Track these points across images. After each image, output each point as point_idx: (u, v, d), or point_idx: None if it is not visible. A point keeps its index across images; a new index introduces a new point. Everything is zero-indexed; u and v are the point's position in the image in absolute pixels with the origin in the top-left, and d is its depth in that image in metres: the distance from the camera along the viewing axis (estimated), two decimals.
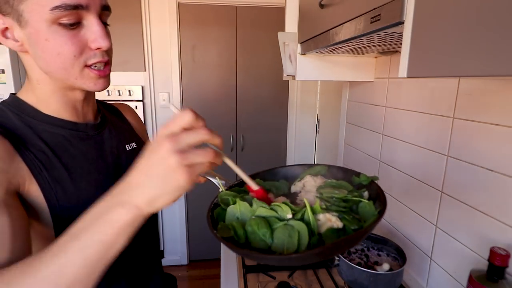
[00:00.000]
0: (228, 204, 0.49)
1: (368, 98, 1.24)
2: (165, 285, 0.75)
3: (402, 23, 0.50)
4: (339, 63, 1.13)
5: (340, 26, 0.71)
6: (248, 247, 0.44)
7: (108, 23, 0.54)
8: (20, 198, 0.45)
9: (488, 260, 0.61)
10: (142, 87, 2.18)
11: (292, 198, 0.56)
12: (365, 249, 0.90)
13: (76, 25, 0.46)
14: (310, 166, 0.63)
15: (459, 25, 0.39)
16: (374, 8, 0.56)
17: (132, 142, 0.65)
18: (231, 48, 2.27)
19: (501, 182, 0.65)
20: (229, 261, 1.01)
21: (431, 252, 0.88)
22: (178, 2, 2.15)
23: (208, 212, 0.50)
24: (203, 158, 0.35)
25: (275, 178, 0.62)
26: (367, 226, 0.43)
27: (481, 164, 0.70)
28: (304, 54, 1.05)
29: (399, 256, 0.84)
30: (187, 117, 0.36)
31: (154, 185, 0.34)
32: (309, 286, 0.90)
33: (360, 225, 0.45)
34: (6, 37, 0.46)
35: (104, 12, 0.50)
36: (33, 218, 0.47)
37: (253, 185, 0.48)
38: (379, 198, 0.51)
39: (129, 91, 2.15)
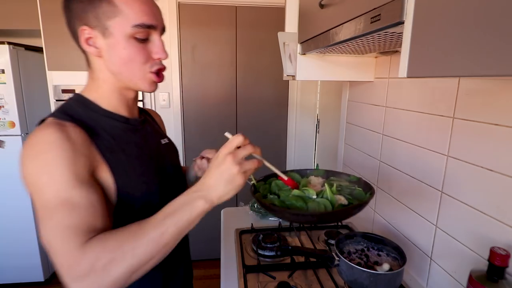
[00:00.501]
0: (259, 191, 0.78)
1: (368, 98, 1.24)
2: (191, 271, 0.89)
3: (402, 23, 0.50)
4: (339, 63, 1.13)
5: (340, 26, 0.71)
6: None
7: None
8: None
9: (488, 260, 0.61)
10: None
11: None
12: (365, 249, 0.90)
13: (145, 40, 0.60)
14: (314, 169, 0.90)
15: (459, 25, 0.39)
16: (374, 8, 0.56)
17: (164, 138, 0.79)
18: (231, 48, 2.27)
19: (501, 182, 0.65)
20: (229, 261, 1.01)
21: (431, 252, 0.88)
22: (178, 2, 2.15)
23: (252, 191, 0.76)
24: (252, 165, 0.53)
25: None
26: (364, 202, 0.68)
27: (481, 164, 0.70)
28: (304, 54, 1.05)
29: (399, 256, 0.84)
30: (239, 139, 0.53)
31: (223, 187, 0.51)
32: (309, 286, 0.90)
33: (358, 202, 0.70)
34: (88, 44, 0.59)
35: (162, 32, 0.64)
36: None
37: (284, 177, 0.70)
38: (368, 187, 0.77)
39: None
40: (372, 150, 1.21)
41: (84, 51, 0.62)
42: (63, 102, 0.63)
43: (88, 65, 0.64)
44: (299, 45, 1.06)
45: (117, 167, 0.59)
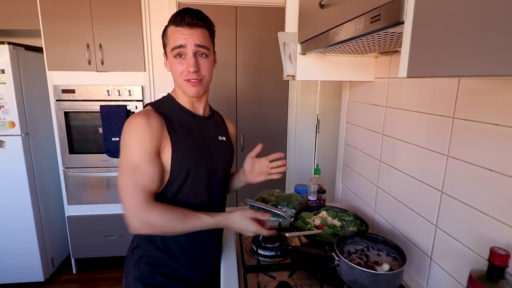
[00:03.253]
0: None
1: (368, 98, 1.24)
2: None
3: (402, 23, 0.50)
4: (339, 63, 1.13)
5: (340, 26, 0.71)
6: None
7: (206, 54, 0.87)
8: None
9: (488, 260, 0.61)
10: (142, 87, 2.18)
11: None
12: (365, 249, 0.90)
13: (181, 56, 0.84)
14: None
15: (459, 25, 0.39)
16: (374, 8, 0.56)
17: (223, 136, 1.00)
18: (231, 48, 2.27)
19: (501, 182, 0.65)
20: (229, 261, 1.01)
21: (431, 252, 0.88)
22: (178, 2, 2.15)
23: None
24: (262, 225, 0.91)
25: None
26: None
27: (481, 164, 0.70)
28: (304, 54, 1.05)
29: (399, 256, 0.84)
30: (262, 215, 0.92)
31: (242, 229, 0.89)
32: (309, 286, 0.90)
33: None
34: (166, 64, 0.90)
35: (199, 49, 0.84)
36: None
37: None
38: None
39: (129, 91, 2.15)
40: (372, 150, 1.21)
41: None
42: (159, 98, 0.93)
43: None
44: (299, 45, 1.06)
45: (176, 143, 0.83)
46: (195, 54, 0.83)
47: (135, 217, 0.77)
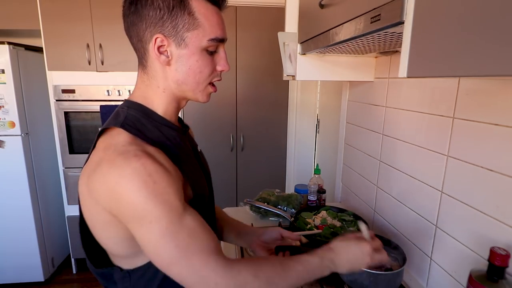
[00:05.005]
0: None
1: (368, 98, 1.24)
2: None
3: (402, 23, 0.50)
4: (339, 63, 1.13)
5: (340, 26, 0.71)
6: None
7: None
8: None
9: (488, 260, 0.61)
10: None
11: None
12: None
13: (214, 52, 0.61)
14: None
15: (459, 25, 0.39)
16: (374, 8, 0.56)
17: (198, 146, 0.77)
18: (231, 48, 2.27)
19: (501, 182, 0.65)
20: None
21: (431, 252, 0.88)
22: None
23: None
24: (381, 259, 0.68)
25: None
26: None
27: (481, 164, 0.70)
28: (304, 54, 1.05)
29: (399, 256, 0.84)
30: (379, 243, 0.69)
31: (353, 267, 0.65)
32: (309, 286, 0.90)
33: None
34: (160, 52, 0.57)
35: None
36: None
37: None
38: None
39: (129, 91, 2.15)
40: (372, 150, 1.21)
41: (145, 57, 0.60)
42: (122, 109, 0.61)
43: (146, 72, 0.61)
44: (299, 45, 1.06)
45: (192, 181, 0.60)
46: None
47: None
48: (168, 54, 0.58)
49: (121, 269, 0.60)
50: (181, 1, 0.55)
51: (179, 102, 0.66)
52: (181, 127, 0.69)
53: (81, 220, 0.60)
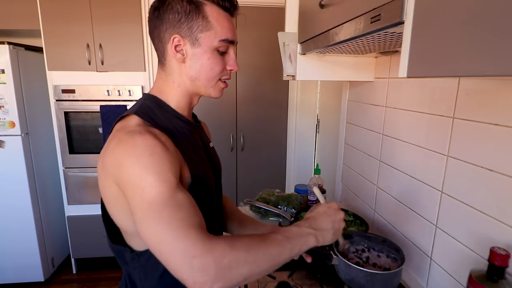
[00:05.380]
0: None
1: (368, 98, 1.24)
2: None
3: (402, 23, 0.50)
4: (339, 63, 1.13)
5: (340, 26, 0.71)
6: None
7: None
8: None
9: (488, 260, 0.61)
10: (142, 87, 2.18)
11: None
12: (366, 249, 0.90)
13: (224, 53, 0.67)
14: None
15: (459, 25, 0.39)
16: (374, 8, 0.56)
17: (210, 142, 0.83)
18: None
19: (501, 182, 0.65)
20: None
21: (431, 252, 0.88)
22: None
23: None
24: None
25: None
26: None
27: (481, 164, 0.70)
28: (304, 54, 1.05)
29: (399, 257, 0.84)
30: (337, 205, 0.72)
31: (331, 235, 0.67)
32: (309, 286, 0.90)
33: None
34: (176, 50, 0.65)
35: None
36: None
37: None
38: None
39: (129, 91, 2.15)
40: (372, 150, 1.21)
41: (164, 56, 0.67)
42: (139, 100, 0.69)
43: (164, 69, 0.68)
44: (299, 45, 1.06)
45: (192, 165, 0.65)
46: None
47: (196, 267, 0.48)
48: (184, 52, 0.65)
49: (131, 250, 0.64)
50: (196, 7, 0.63)
51: (191, 98, 0.72)
52: (193, 122, 0.75)
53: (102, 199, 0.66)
